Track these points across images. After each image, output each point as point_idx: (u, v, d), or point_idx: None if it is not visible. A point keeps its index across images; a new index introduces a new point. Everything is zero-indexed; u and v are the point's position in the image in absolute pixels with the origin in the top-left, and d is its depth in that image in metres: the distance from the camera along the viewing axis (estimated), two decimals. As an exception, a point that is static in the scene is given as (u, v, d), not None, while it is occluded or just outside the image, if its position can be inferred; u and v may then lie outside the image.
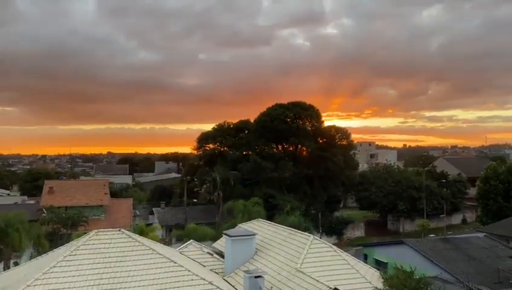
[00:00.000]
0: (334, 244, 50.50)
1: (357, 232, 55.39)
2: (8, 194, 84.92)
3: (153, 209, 56.38)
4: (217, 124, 60.81)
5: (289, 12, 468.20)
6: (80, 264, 16.70)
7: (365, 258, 34.61)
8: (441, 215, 42.61)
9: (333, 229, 52.16)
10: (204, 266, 22.80)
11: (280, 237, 23.36)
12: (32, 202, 61.29)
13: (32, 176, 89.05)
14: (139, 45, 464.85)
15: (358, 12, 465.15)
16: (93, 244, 17.89)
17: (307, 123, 56.20)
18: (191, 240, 26.64)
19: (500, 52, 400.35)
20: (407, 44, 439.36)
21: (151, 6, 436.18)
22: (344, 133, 57.73)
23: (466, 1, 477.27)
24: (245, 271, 18.85)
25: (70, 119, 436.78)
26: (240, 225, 28.64)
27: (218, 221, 43.13)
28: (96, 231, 19.02)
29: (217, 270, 22.73)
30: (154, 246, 19.09)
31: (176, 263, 17.86)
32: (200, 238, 33.52)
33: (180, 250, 24.37)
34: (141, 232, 32.60)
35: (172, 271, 17.39)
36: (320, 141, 57.69)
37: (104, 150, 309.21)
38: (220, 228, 37.31)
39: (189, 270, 17.64)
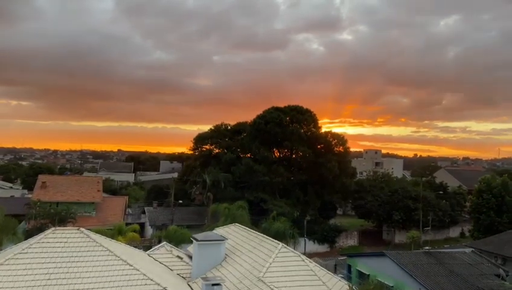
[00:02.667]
0: (325, 252, 50.50)
1: (350, 241, 54.36)
2: (11, 187, 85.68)
3: (145, 208, 56.09)
4: (214, 125, 60.42)
5: (305, 17, 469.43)
6: (29, 263, 16.23)
7: (349, 269, 33.75)
8: (425, 229, 41.34)
9: (325, 237, 51.21)
10: (171, 270, 22.32)
11: (251, 244, 22.76)
12: (31, 196, 61.53)
13: (34, 171, 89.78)
14: (155, 44, 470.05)
15: (374, 19, 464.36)
16: (47, 242, 17.43)
17: (304, 128, 55.32)
18: (164, 242, 26.18)
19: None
20: (423, 53, 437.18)
21: (169, 7, 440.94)
22: (340, 139, 56.74)
23: (484, 12, 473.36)
24: (203, 278, 18.29)
25: (83, 115, 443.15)
26: (216, 229, 28.08)
27: (206, 223, 42.57)
28: (53, 229, 18.61)
29: (184, 275, 22.23)
30: (113, 247, 18.58)
31: (131, 265, 17.31)
32: (180, 241, 33.05)
33: (151, 252, 23.93)
34: (120, 231, 32.31)
35: (126, 274, 16.88)
36: (319, 147, 56.83)
37: (114, 148, 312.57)
38: (205, 230, 36.71)
39: (144, 274, 17.07)
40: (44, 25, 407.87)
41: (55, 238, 17.74)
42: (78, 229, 18.68)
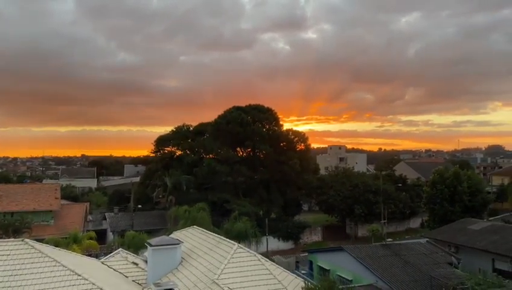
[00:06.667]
0: (289, 249, 50.71)
1: (314, 236, 54.93)
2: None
3: (106, 214, 54.68)
4: (176, 126, 59.68)
5: (271, 16, 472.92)
6: (-33, 280, 15.47)
7: (311, 266, 34.06)
8: (382, 221, 42.44)
9: (289, 234, 51.52)
10: (126, 277, 21.82)
11: (208, 246, 22.59)
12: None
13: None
14: (119, 46, 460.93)
15: (338, 18, 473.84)
16: (-12, 256, 16.67)
17: (266, 126, 55.49)
18: (120, 249, 25.59)
19: (474, 59, 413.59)
20: (385, 50, 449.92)
21: (133, 7, 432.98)
22: (301, 137, 57.36)
23: (443, 9, 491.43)
24: (155, 284, 17.98)
25: (45, 120, 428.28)
26: (174, 232, 27.73)
27: (167, 227, 41.93)
28: (-5, 242, 17.81)
29: (140, 281, 21.78)
30: (61, 258, 17.96)
31: (79, 275, 16.81)
32: (139, 246, 32.42)
33: (106, 260, 23.33)
34: (75, 240, 31.41)
35: (74, 285, 16.37)
36: (281, 145, 57.11)
37: (78, 153, 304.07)
38: (166, 235, 36.15)
39: (93, 284, 16.61)
40: (0, 27, 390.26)
41: (-4, 251, 17.00)
42: (22, 241, 18.00)
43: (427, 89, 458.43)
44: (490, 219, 46.76)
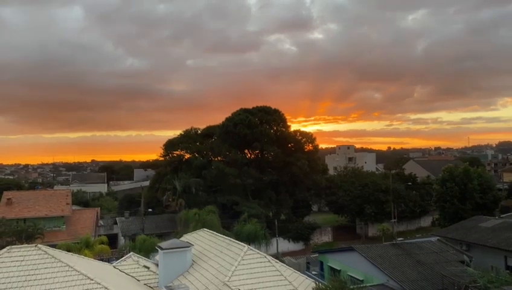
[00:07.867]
0: (300, 250, 50.68)
1: (324, 237, 54.83)
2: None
3: (117, 219, 55.10)
4: (184, 130, 60.07)
5: (277, 17, 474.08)
6: (-19, 286, 15.71)
7: (321, 266, 34.02)
8: (392, 221, 42.18)
9: (300, 235, 51.50)
10: (138, 281, 22.02)
11: (218, 248, 22.67)
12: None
13: (1, 187, 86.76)
14: (127, 51, 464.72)
15: (344, 17, 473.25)
16: (2, 262, 16.88)
17: (273, 128, 55.53)
18: (131, 253, 25.80)
19: (482, 55, 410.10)
20: (392, 48, 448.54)
21: (140, 13, 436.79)
22: (309, 137, 57.27)
23: (449, 6, 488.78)
24: (167, 287, 18.11)
25: (55, 127, 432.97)
26: (185, 235, 27.88)
27: (176, 231, 42.16)
28: (8, 247, 18.05)
29: (152, 285, 21.98)
30: (73, 262, 18.17)
31: (92, 279, 16.94)
32: (150, 250, 32.66)
33: (118, 264, 23.57)
34: (87, 245, 31.74)
35: (87, 289, 16.52)
36: (289, 146, 57.13)
37: (88, 158, 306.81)
38: (176, 238, 36.36)
39: (106, 288, 16.77)
40: (10, 37, 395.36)
41: (10, 257, 17.20)
42: (35, 246, 18.21)
43: (436, 87, 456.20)
44: (502, 216, 46.24)
